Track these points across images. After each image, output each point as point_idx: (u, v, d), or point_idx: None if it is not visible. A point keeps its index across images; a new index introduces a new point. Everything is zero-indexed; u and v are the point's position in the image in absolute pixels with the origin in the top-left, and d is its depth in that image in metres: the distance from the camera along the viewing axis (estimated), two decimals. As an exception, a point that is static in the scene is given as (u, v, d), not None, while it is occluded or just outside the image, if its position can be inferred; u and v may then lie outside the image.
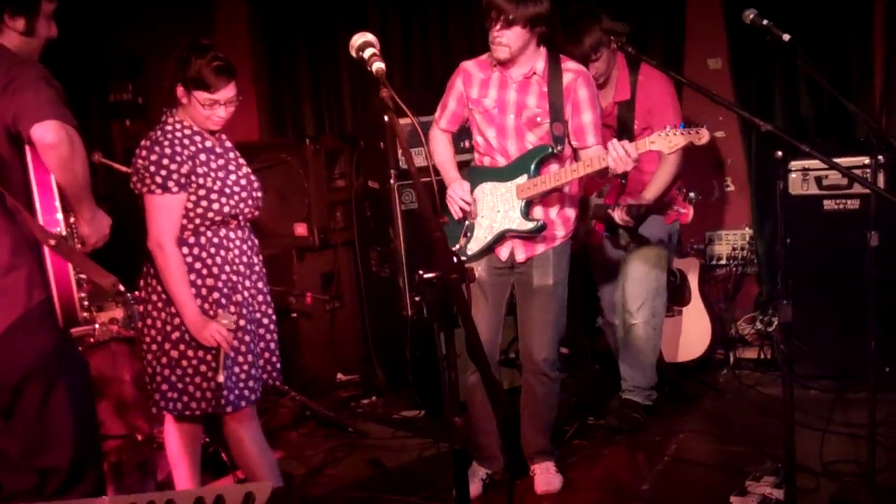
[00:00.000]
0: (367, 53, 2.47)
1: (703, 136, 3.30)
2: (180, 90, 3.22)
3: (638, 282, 4.46)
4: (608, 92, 4.37)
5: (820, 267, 4.68)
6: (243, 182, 3.35)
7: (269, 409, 4.79)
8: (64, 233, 2.73)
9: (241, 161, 3.43)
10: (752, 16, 3.40)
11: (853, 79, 5.04)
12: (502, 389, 3.40)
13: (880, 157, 4.35)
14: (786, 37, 3.33)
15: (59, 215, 2.72)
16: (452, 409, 2.19)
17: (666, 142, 3.30)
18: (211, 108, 3.22)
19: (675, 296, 4.86)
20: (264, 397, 3.49)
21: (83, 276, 2.79)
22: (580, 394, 4.90)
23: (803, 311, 4.73)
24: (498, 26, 3.46)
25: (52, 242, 2.67)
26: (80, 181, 2.76)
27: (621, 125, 4.33)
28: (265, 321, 3.44)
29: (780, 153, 2.70)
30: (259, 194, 3.42)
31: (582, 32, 4.15)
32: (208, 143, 3.30)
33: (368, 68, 2.45)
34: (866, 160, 4.39)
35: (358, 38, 2.49)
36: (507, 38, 3.48)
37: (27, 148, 2.71)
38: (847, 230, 4.36)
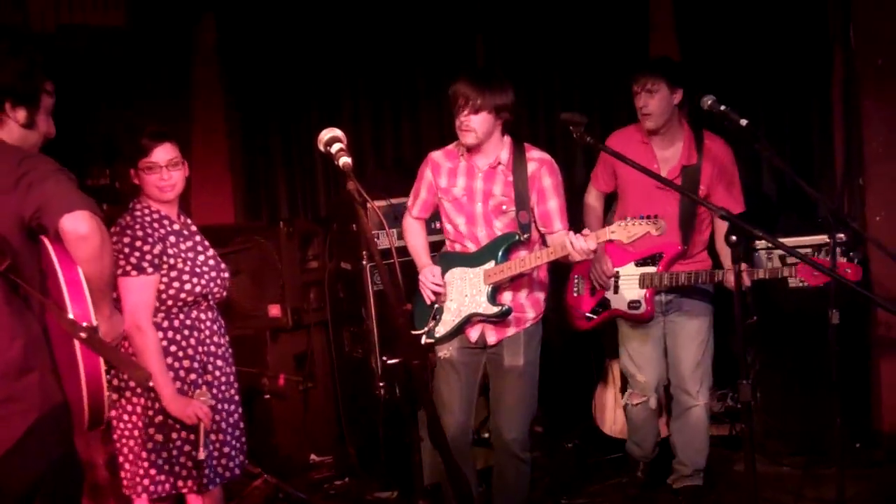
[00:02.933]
0: (335, 148, 2.57)
1: (661, 227, 3.37)
2: (132, 173, 3.31)
3: (697, 362, 4.27)
4: (672, 154, 4.21)
5: (787, 343, 4.78)
6: (211, 262, 3.42)
7: (240, 492, 4.75)
8: (95, 325, 2.54)
9: (207, 244, 3.50)
10: (709, 102, 3.52)
11: (815, 158, 5.20)
12: (463, 471, 3.39)
13: (841, 236, 4.50)
14: (743, 122, 3.44)
15: (91, 308, 2.54)
16: (418, 492, 2.22)
17: (625, 232, 3.39)
18: (152, 172, 3.28)
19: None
20: (238, 479, 3.50)
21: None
22: (554, 474, 4.90)
23: (772, 387, 4.84)
24: (465, 112, 3.57)
25: (84, 336, 2.48)
26: (107, 273, 2.64)
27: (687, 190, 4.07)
28: (233, 402, 3.47)
29: (734, 238, 2.77)
30: (226, 275, 3.48)
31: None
32: (175, 226, 3.38)
33: (336, 163, 2.54)
34: (827, 238, 4.50)
35: (326, 134, 2.59)
36: (474, 123, 3.58)
37: (46, 241, 2.58)
38: (812, 306, 4.43)
